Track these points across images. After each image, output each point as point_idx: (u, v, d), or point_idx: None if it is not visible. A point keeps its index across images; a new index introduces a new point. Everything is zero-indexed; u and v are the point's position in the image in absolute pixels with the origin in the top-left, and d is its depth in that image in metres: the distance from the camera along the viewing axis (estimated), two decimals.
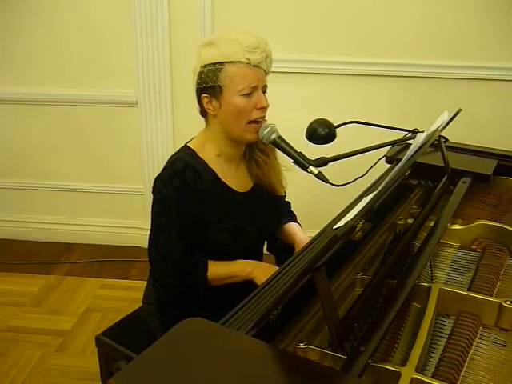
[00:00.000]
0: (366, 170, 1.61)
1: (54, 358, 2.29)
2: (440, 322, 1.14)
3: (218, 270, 1.47)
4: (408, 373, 0.88)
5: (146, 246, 3.17)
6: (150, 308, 1.66)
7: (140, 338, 1.66)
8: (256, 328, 0.91)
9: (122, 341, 1.65)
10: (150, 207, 1.52)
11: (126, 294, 2.75)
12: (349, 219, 1.27)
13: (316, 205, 2.72)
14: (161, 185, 1.48)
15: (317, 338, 1.03)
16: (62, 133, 3.01)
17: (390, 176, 1.06)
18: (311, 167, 1.44)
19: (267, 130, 1.48)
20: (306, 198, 2.43)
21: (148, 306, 1.68)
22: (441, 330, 1.12)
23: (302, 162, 1.45)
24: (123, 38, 2.79)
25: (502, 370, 0.99)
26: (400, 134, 1.89)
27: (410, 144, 1.91)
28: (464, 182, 1.61)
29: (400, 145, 1.89)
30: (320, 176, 1.43)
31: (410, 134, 1.89)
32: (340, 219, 1.36)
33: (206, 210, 1.49)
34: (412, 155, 1.13)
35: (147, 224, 3.09)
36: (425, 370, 0.98)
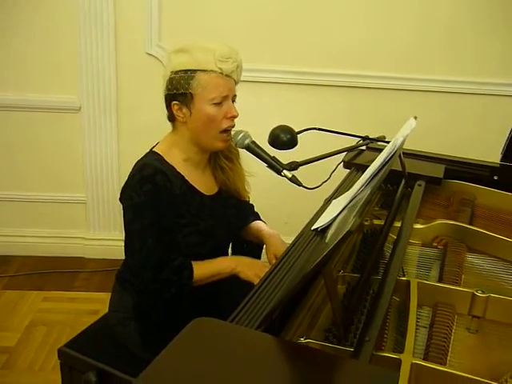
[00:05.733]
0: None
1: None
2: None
3: (202, 270, 1.49)
4: (407, 359, 0.95)
5: (89, 257, 3.11)
6: (117, 316, 1.63)
7: (108, 347, 1.63)
8: (263, 325, 0.93)
9: (89, 352, 1.60)
10: (121, 215, 1.50)
11: (71, 306, 2.67)
12: (328, 219, 1.34)
13: (275, 210, 2.79)
14: (131, 191, 1.47)
15: (312, 331, 1.07)
16: None
17: (376, 179, 1.13)
18: (285, 171, 1.49)
19: (241, 136, 1.52)
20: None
21: (115, 314, 1.65)
22: (417, 320, 1.20)
23: (275, 166, 1.50)
24: (66, 39, 2.72)
25: (475, 353, 1.08)
26: (352, 141, 2.01)
27: (363, 150, 2.05)
28: (419, 185, 1.72)
29: (354, 151, 2.00)
30: (294, 179, 1.49)
31: (364, 141, 2.01)
32: (316, 220, 1.43)
33: (178, 214, 1.50)
34: (389, 159, 1.21)
35: (89, 233, 3.07)
36: (414, 357, 1.05)
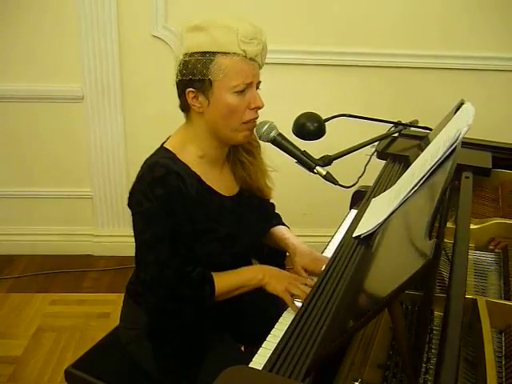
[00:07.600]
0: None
1: None
2: None
3: (225, 283, 1.30)
4: None
5: (98, 254, 2.95)
6: (129, 334, 1.46)
7: (119, 367, 1.46)
8: (310, 375, 0.74)
9: (98, 372, 1.44)
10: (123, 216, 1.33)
11: (80, 310, 2.51)
12: (372, 225, 1.14)
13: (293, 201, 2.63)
14: (140, 196, 1.27)
15: (365, 370, 0.88)
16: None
17: (437, 180, 0.93)
18: (318, 167, 1.29)
19: (265, 128, 1.32)
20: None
21: (127, 331, 1.47)
22: None
23: (307, 161, 1.30)
24: (66, 26, 2.51)
25: None
26: (378, 126, 1.79)
27: (395, 137, 1.84)
28: (467, 177, 1.52)
29: (387, 139, 1.79)
30: (328, 177, 1.29)
31: (396, 127, 1.81)
32: (356, 227, 1.23)
33: (194, 219, 1.30)
34: (450, 153, 1.00)
35: (98, 230, 2.89)
36: None
